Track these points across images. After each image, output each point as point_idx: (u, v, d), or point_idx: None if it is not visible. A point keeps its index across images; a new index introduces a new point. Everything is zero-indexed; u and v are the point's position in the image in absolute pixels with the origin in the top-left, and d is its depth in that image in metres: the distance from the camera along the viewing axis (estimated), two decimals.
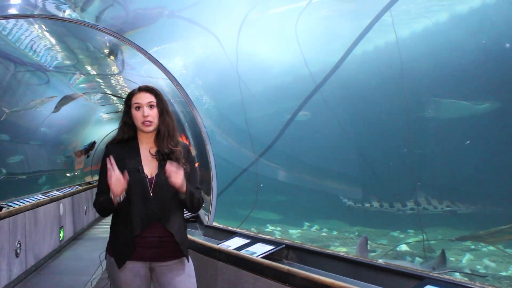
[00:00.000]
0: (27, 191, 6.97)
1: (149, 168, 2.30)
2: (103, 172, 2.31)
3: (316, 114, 6.71)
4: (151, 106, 2.29)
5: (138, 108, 2.29)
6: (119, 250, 2.25)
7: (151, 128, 2.30)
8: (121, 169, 2.25)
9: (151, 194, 2.23)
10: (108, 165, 2.15)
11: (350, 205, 6.22)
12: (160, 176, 2.25)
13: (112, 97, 9.19)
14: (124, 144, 2.34)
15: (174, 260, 2.31)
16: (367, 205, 5.92)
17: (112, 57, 6.33)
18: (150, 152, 2.33)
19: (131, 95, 2.35)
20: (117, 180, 2.12)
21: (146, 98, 2.30)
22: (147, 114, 2.27)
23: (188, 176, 2.31)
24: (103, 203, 2.25)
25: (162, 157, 2.30)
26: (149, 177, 2.27)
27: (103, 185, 2.29)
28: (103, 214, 2.33)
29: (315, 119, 6.83)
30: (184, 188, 2.20)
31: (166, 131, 2.31)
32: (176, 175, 2.14)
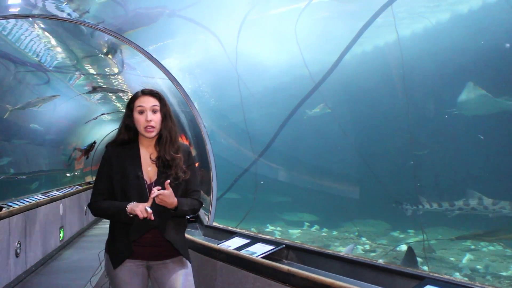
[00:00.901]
0: (17, 194, 6.84)
1: (149, 173, 2.28)
2: (102, 173, 2.31)
3: (316, 114, 6.72)
4: (154, 111, 2.27)
5: (141, 112, 2.26)
6: (116, 252, 2.26)
7: (153, 134, 2.28)
8: (121, 173, 2.25)
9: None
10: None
11: (411, 209, 6.08)
12: (159, 183, 2.23)
13: (112, 97, 9.19)
14: (124, 147, 2.32)
15: (171, 258, 2.32)
16: (427, 206, 5.82)
17: (112, 57, 6.33)
18: (150, 157, 2.31)
19: (134, 98, 2.31)
20: (145, 213, 2.13)
21: (150, 102, 2.27)
22: (150, 118, 2.24)
23: (188, 179, 2.31)
24: (109, 210, 2.23)
25: (163, 163, 2.28)
26: (148, 183, 2.26)
27: (102, 186, 2.29)
28: (99, 215, 2.33)
29: (316, 119, 6.84)
30: (173, 206, 2.19)
31: (168, 137, 2.29)
32: (163, 197, 2.13)
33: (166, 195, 2.13)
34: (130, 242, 2.21)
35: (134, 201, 2.18)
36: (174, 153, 2.27)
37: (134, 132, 2.33)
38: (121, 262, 2.23)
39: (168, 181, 2.14)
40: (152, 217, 2.13)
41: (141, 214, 2.11)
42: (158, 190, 2.12)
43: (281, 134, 6.48)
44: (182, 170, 2.27)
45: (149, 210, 2.13)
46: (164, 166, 2.27)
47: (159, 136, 2.32)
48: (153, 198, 2.14)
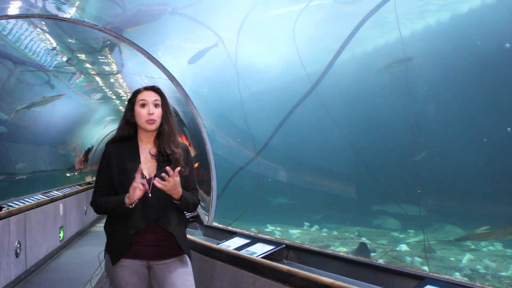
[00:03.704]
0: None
1: (148, 168, 2.30)
2: (102, 170, 2.32)
3: (314, 115, 6.70)
4: (156, 105, 2.31)
5: (143, 105, 2.30)
6: (115, 248, 2.26)
7: (154, 127, 2.30)
8: (120, 168, 2.26)
9: (150, 194, 2.23)
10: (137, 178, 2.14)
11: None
12: (158, 177, 2.24)
13: (112, 96, 9.19)
14: (123, 143, 2.34)
15: (172, 258, 2.32)
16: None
17: (112, 57, 6.33)
18: (150, 153, 2.33)
19: (136, 93, 2.36)
20: (139, 187, 2.12)
21: (152, 96, 2.32)
22: (152, 111, 2.28)
23: (186, 178, 2.32)
24: (108, 205, 2.24)
25: (162, 158, 2.30)
26: (147, 177, 2.27)
27: (102, 183, 2.30)
28: (101, 213, 2.33)
29: (314, 119, 6.83)
30: (179, 195, 2.21)
31: (169, 131, 2.32)
32: (169, 180, 2.14)
33: (175, 182, 2.15)
34: (130, 237, 2.21)
35: None
36: (175, 148, 2.30)
37: (134, 128, 2.35)
38: (121, 257, 2.23)
39: (179, 168, 2.17)
40: (147, 187, 2.14)
41: (137, 187, 2.11)
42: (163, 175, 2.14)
43: (282, 134, 6.48)
44: (182, 165, 2.29)
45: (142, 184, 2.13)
46: (164, 160, 2.29)
47: (159, 132, 2.34)
48: (153, 193, 2.19)
